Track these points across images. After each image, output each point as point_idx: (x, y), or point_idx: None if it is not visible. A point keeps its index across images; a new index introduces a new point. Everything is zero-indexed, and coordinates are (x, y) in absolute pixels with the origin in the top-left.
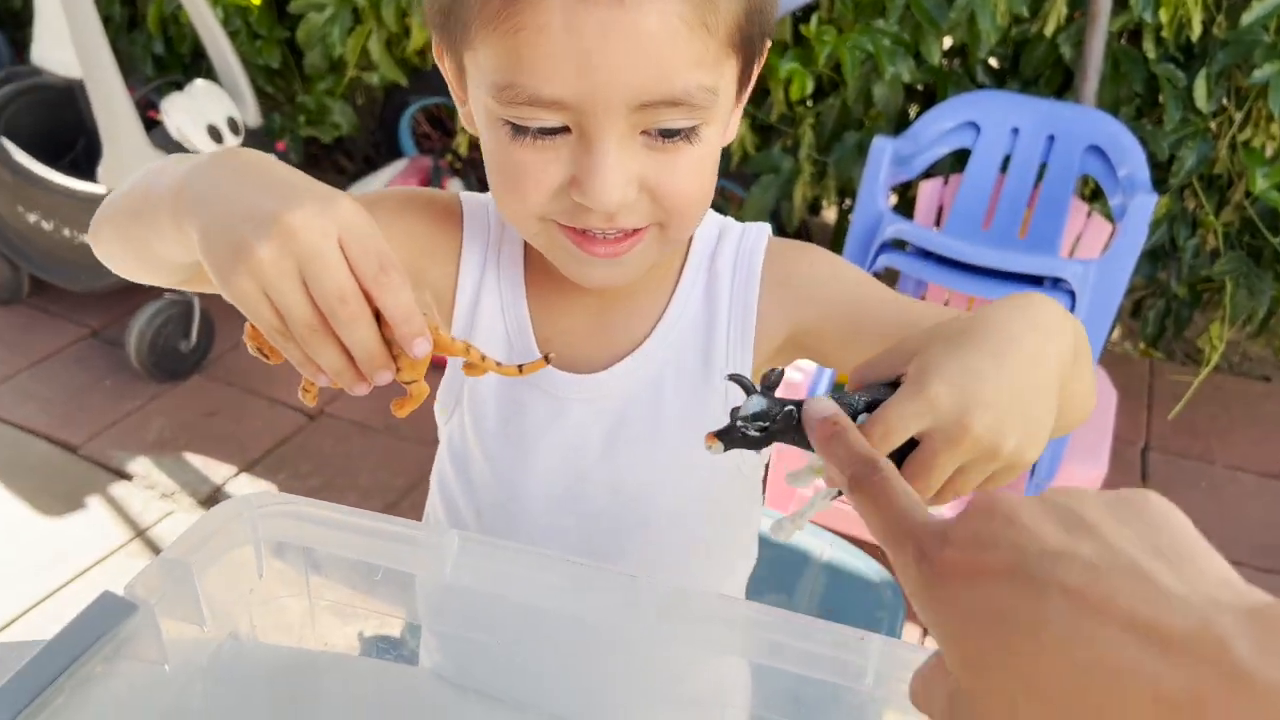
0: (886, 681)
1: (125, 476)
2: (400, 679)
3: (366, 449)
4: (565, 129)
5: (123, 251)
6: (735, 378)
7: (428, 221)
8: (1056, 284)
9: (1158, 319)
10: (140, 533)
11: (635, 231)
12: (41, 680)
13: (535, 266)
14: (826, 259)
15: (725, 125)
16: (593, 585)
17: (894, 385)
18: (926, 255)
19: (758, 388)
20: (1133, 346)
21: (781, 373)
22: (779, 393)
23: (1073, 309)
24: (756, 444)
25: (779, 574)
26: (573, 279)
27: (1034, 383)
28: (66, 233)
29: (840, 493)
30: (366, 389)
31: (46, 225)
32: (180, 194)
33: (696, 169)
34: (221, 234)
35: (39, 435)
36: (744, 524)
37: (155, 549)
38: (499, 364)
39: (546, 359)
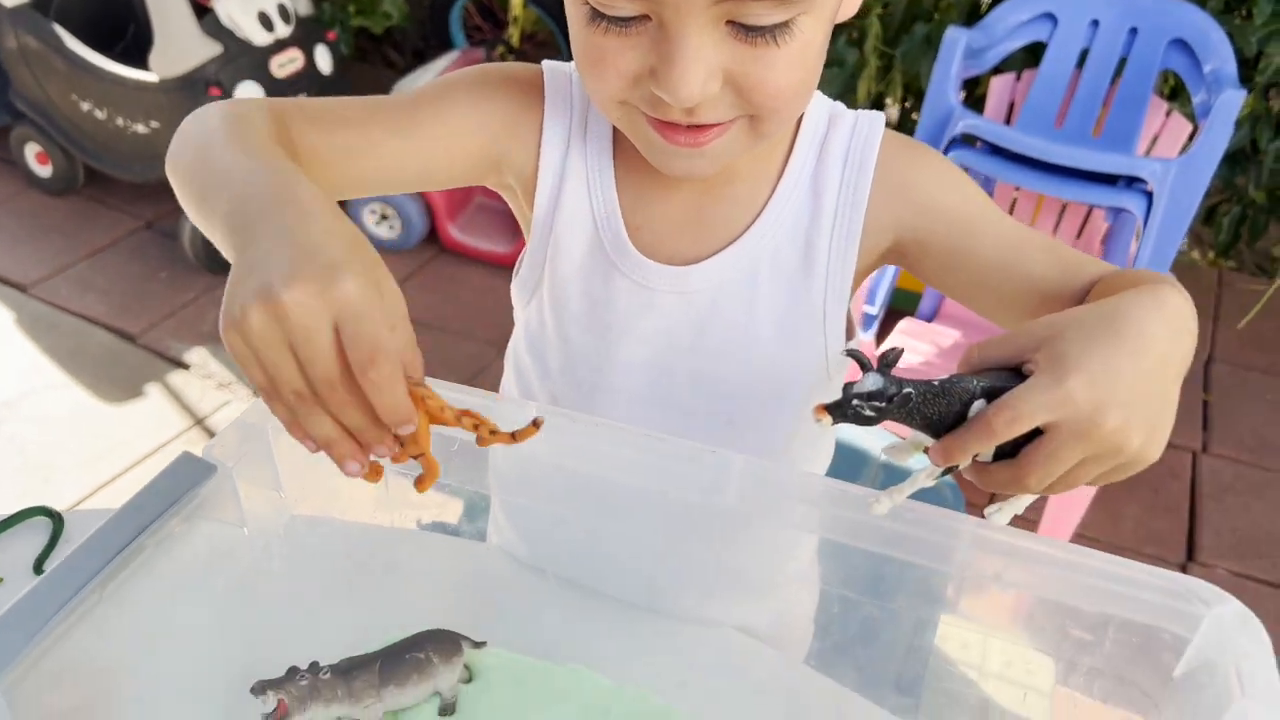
0: (971, 564)
1: (183, 366)
2: (471, 555)
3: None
4: (645, 17)
5: (190, 213)
6: (852, 353)
7: (505, 99)
8: (1131, 184)
9: (1232, 225)
10: (198, 421)
11: (720, 123)
12: (125, 535)
13: (625, 147)
14: (950, 168)
15: (833, 9)
16: (674, 459)
17: (1015, 372)
18: (997, 152)
19: (874, 365)
20: (1201, 255)
21: (900, 352)
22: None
23: (1148, 211)
24: (869, 421)
25: (838, 473)
26: (655, 166)
27: (1163, 385)
28: (120, 121)
29: (948, 471)
30: (358, 469)
31: (100, 114)
32: (229, 217)
33: (792, 63)
34: (234, 282)
35: (99, 325)
36: (822, 431)
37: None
38: (494, 431)
39: (536, 424)
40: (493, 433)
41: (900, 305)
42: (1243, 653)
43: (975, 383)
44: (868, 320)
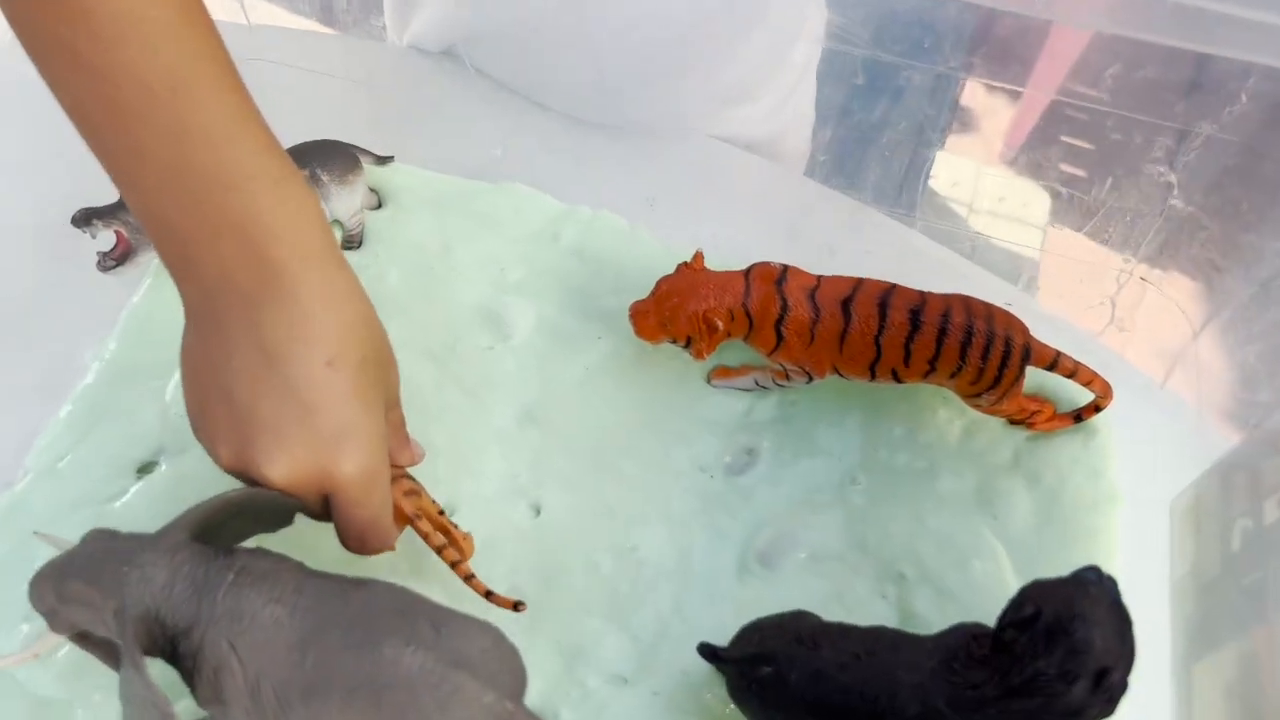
0: None
1: None
2: (366, 53)
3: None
4: None
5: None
6: None
7: None
8: None
9: None
10: None
11: None
12: None
13: None
14: None
15: None
16: None
17: None
18: None
19: None
20: None
21: None
22: None
23: None
24: None
25: None
26: None
27: None
28: None
29: None
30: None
31: None
32: (153, 217)
33: None
34: (194, 380)
35: None
36: None
37: None
38: (470, 577)
39: (515, 606)
40: (469, 578)
41: None
42: None
43: None
44: None
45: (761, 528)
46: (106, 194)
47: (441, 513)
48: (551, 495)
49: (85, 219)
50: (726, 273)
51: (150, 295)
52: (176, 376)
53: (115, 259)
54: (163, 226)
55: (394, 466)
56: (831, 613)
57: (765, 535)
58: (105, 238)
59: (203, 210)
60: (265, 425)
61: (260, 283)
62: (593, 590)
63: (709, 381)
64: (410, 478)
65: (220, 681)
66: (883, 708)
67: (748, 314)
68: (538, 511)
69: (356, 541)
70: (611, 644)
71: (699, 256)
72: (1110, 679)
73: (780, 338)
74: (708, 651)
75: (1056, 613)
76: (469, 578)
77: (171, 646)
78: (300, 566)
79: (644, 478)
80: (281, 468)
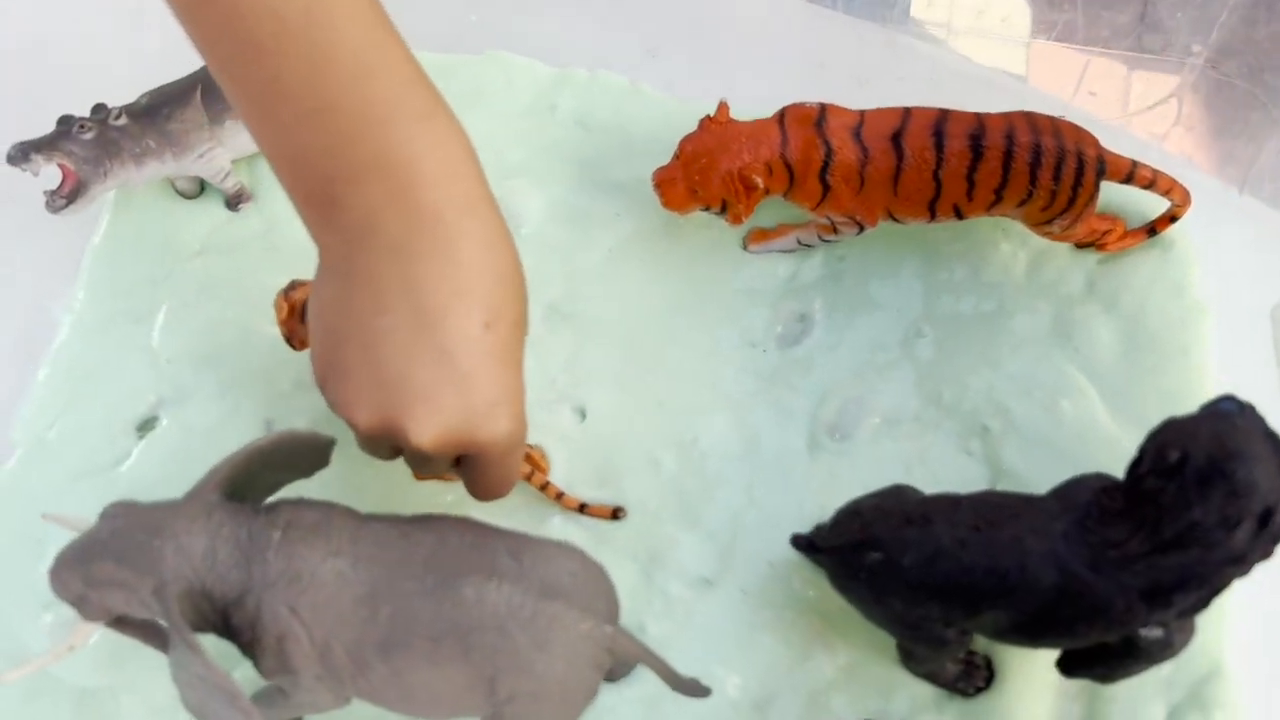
0: None
1: None
2: None
3: None
4: None
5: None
6: None
7: None
8: None
9: None
10: None
11: None
12: None
13: None
14: None
15: None
16: None
17: None
18: None
19: None
20: None
21: None
22: None
23: None
24: None
25: None
26: None
27: None
28: None
29: None
30: None
31: None
32: (334, 205)
33: None
34: (332, 324)
35: None
36: None
37: None
38: (560, 495)
39: (615, 514)
40: (559, 497)
41: None
42: None
43: None
44: None
45: (827, 398)
46: (40, 124)
47: None
48: (595, 395)
49: (23, 154)
50: (757, 122)
51: (112, 233)
52: (160, 319)
53: (65, 197)
54: (300, 168)
55: None
56: (916, 477)
57: (832, 405)
58: (49, 174)
59: (345, 148)
60: (420, 393)
61: (413, 232)
62: (658, 491)
63: (745, 248)
64: None
65: (285, 650)
66: (1014, 582)
67: (787, 166)
68: (583, 415)
69: (489, 494)
70: (687, 545)
71: (723, 107)
72: (1276, 518)
73: (826, 187)
74: (803, 543)
75: (1208, 454)
76: (559, 496)
77: (223, 619)
78: (350, 512)
79: (692, 362)
80: (433, 434)
